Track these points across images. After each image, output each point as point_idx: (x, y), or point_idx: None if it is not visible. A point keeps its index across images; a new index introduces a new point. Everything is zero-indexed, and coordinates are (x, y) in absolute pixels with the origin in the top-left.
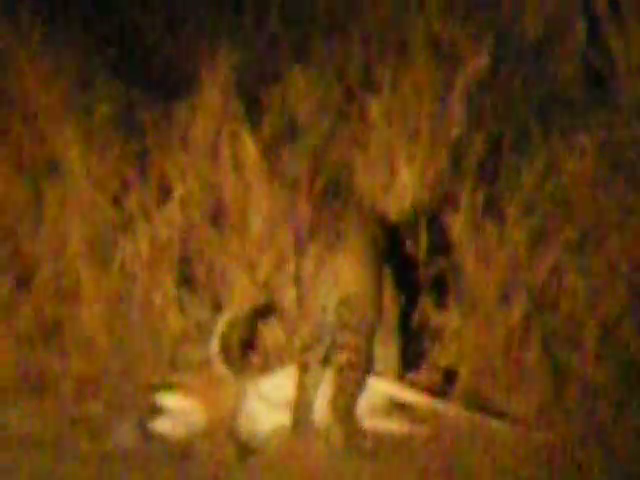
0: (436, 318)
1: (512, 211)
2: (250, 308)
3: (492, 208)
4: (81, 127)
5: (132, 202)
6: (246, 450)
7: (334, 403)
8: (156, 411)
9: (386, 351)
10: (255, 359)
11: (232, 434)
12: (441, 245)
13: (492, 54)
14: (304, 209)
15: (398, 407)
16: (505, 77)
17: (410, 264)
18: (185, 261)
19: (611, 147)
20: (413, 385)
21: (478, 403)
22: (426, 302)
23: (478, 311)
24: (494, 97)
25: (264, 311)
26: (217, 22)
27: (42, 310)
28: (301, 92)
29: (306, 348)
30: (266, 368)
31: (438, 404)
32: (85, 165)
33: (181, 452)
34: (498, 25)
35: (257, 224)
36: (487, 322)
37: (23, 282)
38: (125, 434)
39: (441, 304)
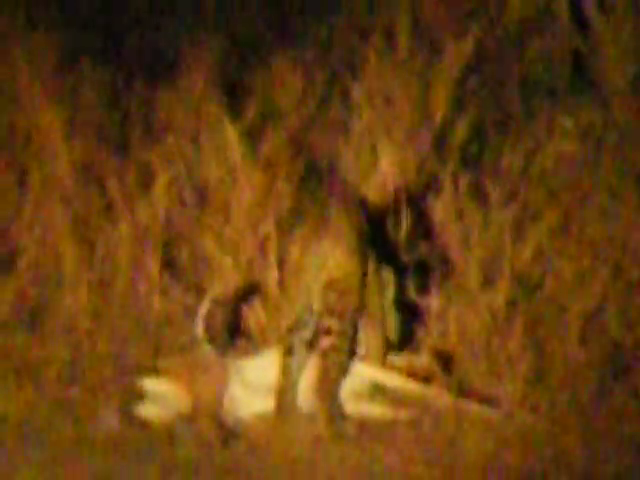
0: (419, 302)
1: (495, 195)
2: (234, 291)
3: (475, 192)
4: (64, 111)
5: (115, 187)
6: (230, 434)
7: (318, 387)
8: (140, 395)
9: (370, 335)
10: (239, 342)
11: (216, 418)
12: (424, 229)
13: (476, 38)
14: (287, 193)
15: (382, 391)
16: (489, 61)
17: (393, 248)
18: (169, 245)
19: (595, 130)
20: (397, 369)
21: (462, 387)
22: (409, 286)
23: (461, 295)
24: (478, 81)
25: (248, 294)
26: (200, 7)
27: (25, 294)
28: (284, 76)
29: (290, 332)
30: (250, 351)
31: (422, 388)
32: (68, 149)
33: (165, 436)
34: (482, 9)
35: (240, 208)
36: (470, 306)
37: (6, 266)
38: (108, 418)
39: (424, 288)
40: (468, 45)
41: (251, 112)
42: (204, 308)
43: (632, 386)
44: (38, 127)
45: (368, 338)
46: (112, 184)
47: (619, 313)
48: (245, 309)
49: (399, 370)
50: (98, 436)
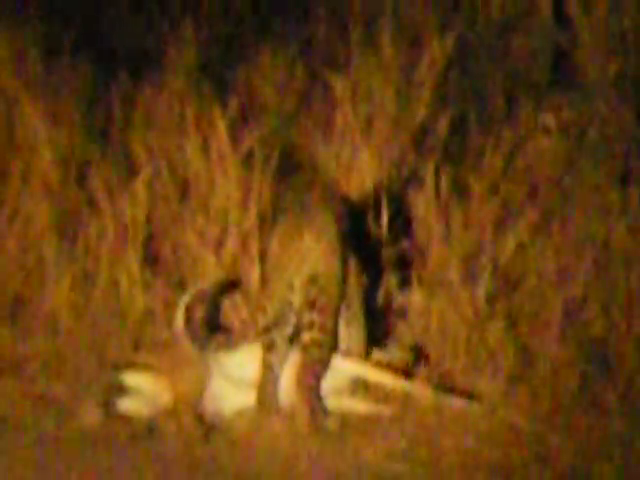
0: (401, 297)
1: (477, 191)
2: (214, 285)
3: (457, 188)
4: (46, 106)
5: (97, 180)
6: (211, 429)
7: (299, 382)
8: (121, 390)
9: (351, 330)
10: (220, 337)
11: (197, 413)
12: (405, 224)
13: (458, 34)
14: (268, 188)
15: (363, 386)
16: (471, 57)
17: (375, 243)
18: (150, 240)
19: (577, 127)
20: (378, 364)
21: (443, 382)
22: (391, 281)
23: (443, 290)
24: (459, 77)
25: (229, 288)
26: (182, 1)
27: (5, 288)
28: (266, 71)
29: (271, 327)
30: (230, 346)
31: (403, 383)
32: (50, 143)
33: (146, 431)
34: (464, 5)
35: (223, 203)
36: (452, 301)
37: None
38: (90, 413)
39: (406, 283)
40: (450, 41)
41: (233, 107)
42: (184, 303)
43: (614, 382)
44: (20, 121)
45: (349, 333)
46: (94, 179)
47: (601, 309)
48: (226, 304)
49: (380, 365)
50: (79, 430)
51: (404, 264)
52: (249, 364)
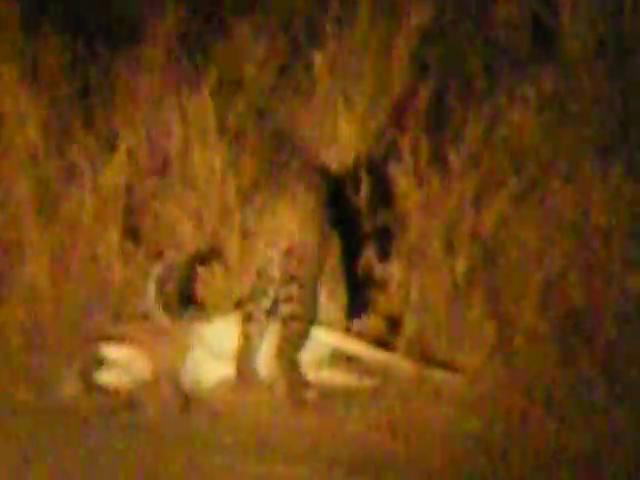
0: (381, 269)
1: (457, 162)
2: (188, 257)
3: (437, 159)
4: (26, 78)
5: (77, 153)
6: (190, 400)
7: (278, 354)
8: (100, 362)
9: (331, 302)
10: (196, 308)
11: (176, 385)
12: (386, 196)
13: (436, 6)
14: (249, 160)
15: (343, 358)
16: (450, 28)
17: (354, 215)
18: (130, 212)
19: (556, 99)
20: (358, 336)
21: (423, 354)
22: (370, 253)
23: (423, 262)
24: (439, 49)
25: (206, 260)
26: None
27: None
28: (246, 44)
29: (250, 299)
30: (207, 318)
31: (383, 355)
32: (30, 116)
33: (125, 403)
34: None
35: (202, 175)
36: (432, 273)
37: None
38: (69, 385)
39: (386, 255)
40: (428, 13)
41: (212, 80)
42: (155, 275)
43: (594, 354)
44: (0, 92)
45: (328, 305)
46: (74, 150)
47: (581, 281)
48: (204, 276)
49: (360, 337)
50: (59, 402)
51: (384, 236)
52: (228, 335)
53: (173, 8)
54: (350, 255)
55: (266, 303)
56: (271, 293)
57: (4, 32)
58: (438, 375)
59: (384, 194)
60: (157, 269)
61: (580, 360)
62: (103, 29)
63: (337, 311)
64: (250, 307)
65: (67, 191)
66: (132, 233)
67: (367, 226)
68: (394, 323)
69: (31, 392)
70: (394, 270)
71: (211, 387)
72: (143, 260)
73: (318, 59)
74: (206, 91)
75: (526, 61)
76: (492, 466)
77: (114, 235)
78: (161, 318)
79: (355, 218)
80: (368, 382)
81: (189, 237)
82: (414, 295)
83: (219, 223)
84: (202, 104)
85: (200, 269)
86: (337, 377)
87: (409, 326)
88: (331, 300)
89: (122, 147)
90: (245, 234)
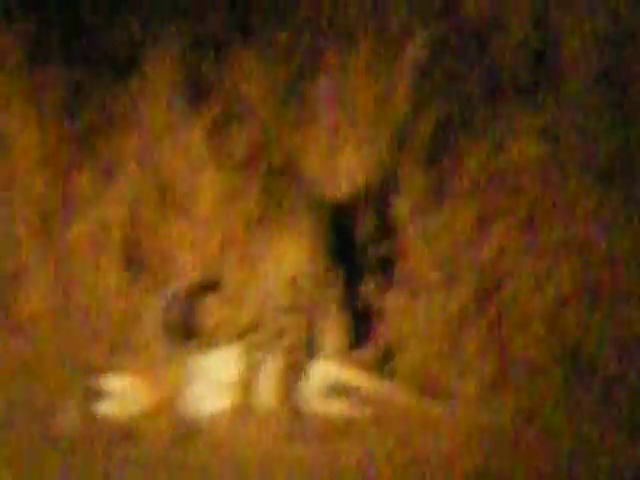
0: (381, 299)
1: (457, 193)
2: (193, 286)
3: (437, 190)
4: (29, 107)
5: (79, 182)
6: (190, 431)
7: (279, 385)
8: (100, 393)
9: (331, 333)
10: (199, 338)
11: (176, 415)
12: (386, 227)
13: (439, 35)
14: (250, 191)
15: (343, 389)
16: (451, 59)
17: (355, 245)
18: (131, 242)
19: (556, 129)
20: (358, 367)
21: (424, 385)
22: (371, 283)
23: (423, 292)
24: (440, 79)
25: (208, 290)
26: (164, 4)
27: None
28: (247, 75)
29: (251, 329)
30: (209, 348)
31: (384, 386)
32: (32, 145)
33: (125, 434)
34: (444, 5)
35: (205, 205)
36: (432, 303)
37: None
38: (69, 416)
39: (386, 285)
40: (430, 43)
41: (214, 110)
42: (159, 305)
43: (593, 386)
44: (3, 122)
45: (328, 336)
46: (75, 180)
47: (581, 313)
48: (206, 306)
49: (360, 368)
50: (59, 434)
51: (385, 266)
52: (229, 366)
53: (175, 38)
54: (351, 285)
55: (267, 334)
56: (272, 323)
57: (6, 65)
58: (438, 406)
59: (384, 224)
60: (160, 299)
61: (580, 392)
62: (106, 58)
63: (337, 342)
64: (251, 338)
65: (68, 222)
66: (133, 264)
67: (367, 256)
68: (394, 353)
69: (31, 424)
70: (394, 300)
71: (211, 418)
72: (144, 291)
73: (319, 90)
74: (208, 120)
75: (527, 92)
76: None
77: (115, 266)
78: (163, 348)
79: (356, 247)
80: (368, 412)
81: (191, 267)
82: (414, 325)
83: (221, 253)
84: (204, 135)
85: (202, 299)
86: (337, 407)
87: (409, 356)
88: (332, 331)
89: (123, 176)
90: (247, 264)
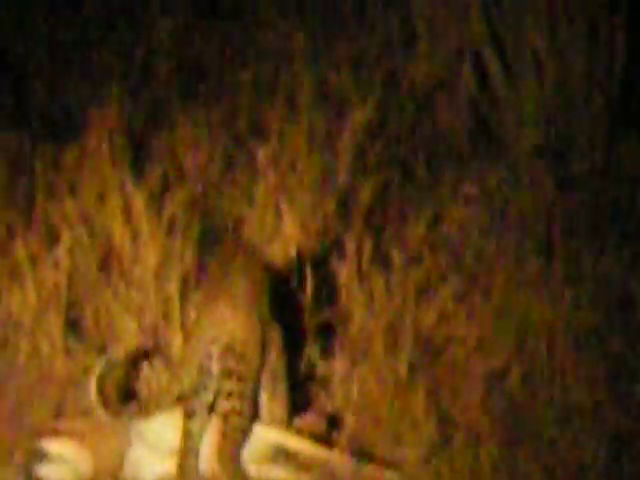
0: (323, 366)
1: (399, 259)
2: (130, 352)
3: (379, 256)
4: None
5: (19, 248)
6: None
7: (219, 450)
8: (41, 457)
9: (272, 398)
10: (137, 404)
11: None
12: (328, 292)
13: (380, 102)
14: (190, 255)
15: (284, 455)
16: (393, 125)
17: (296, 311)
18: (72, 307)
19: (499, 196)
20: (299, 433)
21: (364, 451)
22: (312, 349)
23: (365, 359)
24: (382, 145)
25: (147, 355)
26: (106, 68)
27: None
28: (189, 138)
29: (191, 394)
30: (149, 413)
31: (324, 452)
32: None
33: None
34: (387, 73)
35: (144, 270)
36: (374, 370)
37: None
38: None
39: (328, 351)
40: (371, 109)
41: (155, 174)
42: (97, 371)
43: (534, 452)
44: None
45: (270, 401)
46: (16, 246)
47: (522, 380)
48: (145, 370)
49: (301, 434)
50: None
51: (327, 332)
52: (169, 431)
53: (117, 102)
54: (292, 351)
55: (207, 399)
56: (211, 389)
57: None
58: (378, 472)
59: (327, 291)
60: (98, 365)
61: (521, 458)
62: (47, 123)
63: (278, 407)
64: (191, 403)
65: (9, 286)
66: (74, 328)
67: (309, 322)
68: (335, 420)
69: None
70: (336, 367)
71: None
72: (85, 355)
73: (261, 155)
74: (148, 185)
75: (469, 159)
76: None
77: (56, 330)
78: (102, 414)
79: (298, 314)
80: (308, 478)
81: (131, 332)
82: (355, 392)
83: (160, 318)
84: (143, 198)
85: (141, 364)
86: (279, 473)
87: (349, 423)
88: (272, 396)
89: (64, 241)
90: (186, 328)
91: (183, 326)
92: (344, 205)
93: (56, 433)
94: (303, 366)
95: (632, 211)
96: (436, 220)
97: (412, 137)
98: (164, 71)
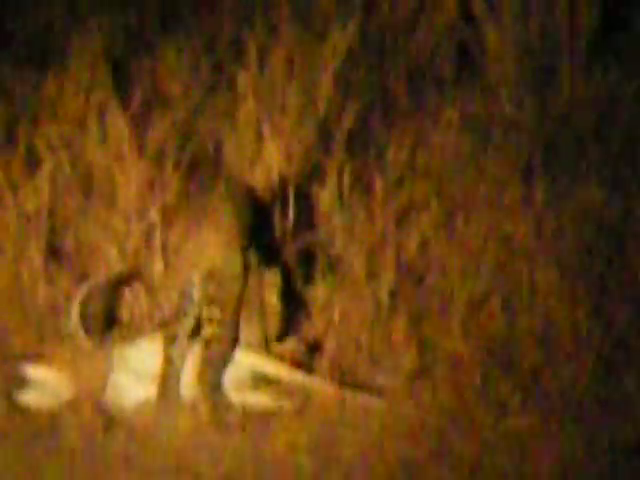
0: (304, 291)
1: (380, 185)
2: (113, 277)
3: (360, 182)
4: None
5: (0, 174)
6: (112, 422)
7: (200, 376)
8: (23, 383)
9: (253, 324)
10: (119, 330)
11: (99, 406)
12: (309, 219)
13: (361, 27)
14: (172, 181)
15: (265, 381)
16: (374, 51)
17: (279, 237)
18: (53, 233)
19: (480, 122)
20: (280, 358)
21: (345, 376)
22: (294, 275)
23: (346, 285)
24: (363, 71)
25: (129, 281)
26: None
27: None
28: (170, 64)
29: (172, 320)
30: (131, 339)
31: (305, 377)
32: None
33: (47, 424)
34: None
35: (126, 195)
36: (355, 296)
37: None
38: None
39: (309, 278)
40: (352, 34)
41: (137, 99)
42: (79, 297)
43: (516, 379)
44: None
45: (251, 327)
46: None
47: (504, 305)
48: (126, 297)
49: (282, 360)
50: None
51: (308, 259)
52: (150, 357)
53: (97, 26)
54: (273, 277)
55: (188, 325)
56: (193, 315)
57: None
58: (359, 398)
59: (308, 216)
60: (80, 290)
61: (501, 385)
62: (28, 48)
63: (259, 333)
64: (172, 329)
65: None
66: (55, 254)
67: (291, 248)
68: (316, 345)
69: None
70: (317, 293)
71: (133, 409)
72: (66, 281)
73: (242, 80)
74: (130, 110)
75: (450, 85)
76: None
77: (37, 256)
78: (83, 340)
79: (279, 240)
80: (289, 404)
81: (112, 258)
82: (336, 318)
83: (142, 244)
84: (125, 124)
85: (123, 291)
86: (259, 399)
87: (330, 348)
88: (253, 322)
89: (45, 167)
90: (167, 255)
91: (165, 252)
92: (325, 131)
93: (37, 359)
94: (284, 292)
95: (611, 134)
96: (417, 146)
97: (393, 63)
98: None
